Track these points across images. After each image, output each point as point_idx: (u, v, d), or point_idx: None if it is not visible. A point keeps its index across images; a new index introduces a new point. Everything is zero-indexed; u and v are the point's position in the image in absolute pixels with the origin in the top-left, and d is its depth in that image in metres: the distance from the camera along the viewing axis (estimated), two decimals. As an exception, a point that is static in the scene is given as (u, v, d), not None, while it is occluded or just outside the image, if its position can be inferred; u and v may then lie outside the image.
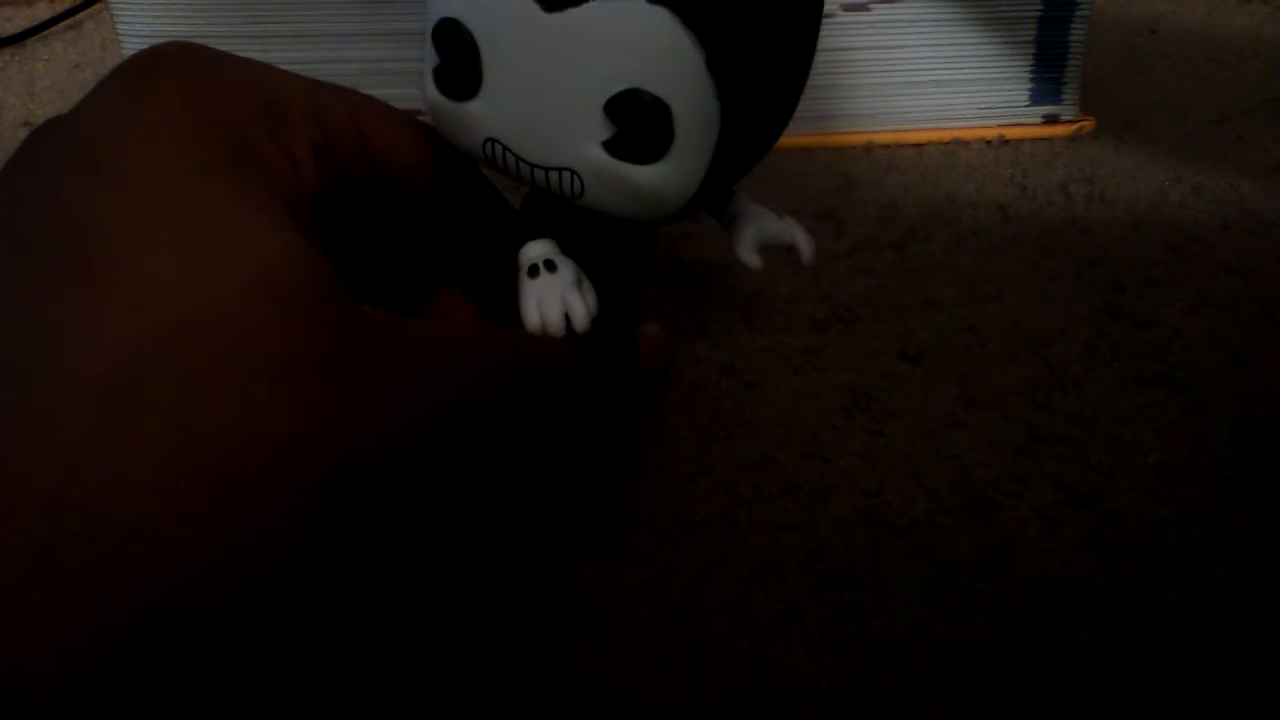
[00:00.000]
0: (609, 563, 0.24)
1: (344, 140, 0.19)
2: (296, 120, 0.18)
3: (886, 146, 0.41)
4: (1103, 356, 0.30)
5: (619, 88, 0.18)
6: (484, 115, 0.20)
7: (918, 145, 0.41)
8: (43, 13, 0.53)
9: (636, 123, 0.18)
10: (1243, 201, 0.38)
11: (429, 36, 0.20)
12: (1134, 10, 0.55)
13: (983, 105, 0.42)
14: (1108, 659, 0.22)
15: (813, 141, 0.41)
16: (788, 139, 0.23)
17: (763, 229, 0.25)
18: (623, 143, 0.19)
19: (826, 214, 0.36)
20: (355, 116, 0.20)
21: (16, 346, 0.14)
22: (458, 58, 0.19)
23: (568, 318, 0.21)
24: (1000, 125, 0.42)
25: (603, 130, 0.19)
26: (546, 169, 0.20)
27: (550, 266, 0.21)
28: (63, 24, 0.53)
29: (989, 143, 0.41)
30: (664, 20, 0.17)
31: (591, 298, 0.21)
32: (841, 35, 0.39)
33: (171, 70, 0.17)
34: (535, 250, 0.21)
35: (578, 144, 0.19)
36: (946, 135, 0.42)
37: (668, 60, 0.18)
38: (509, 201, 0.24)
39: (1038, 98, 0.42)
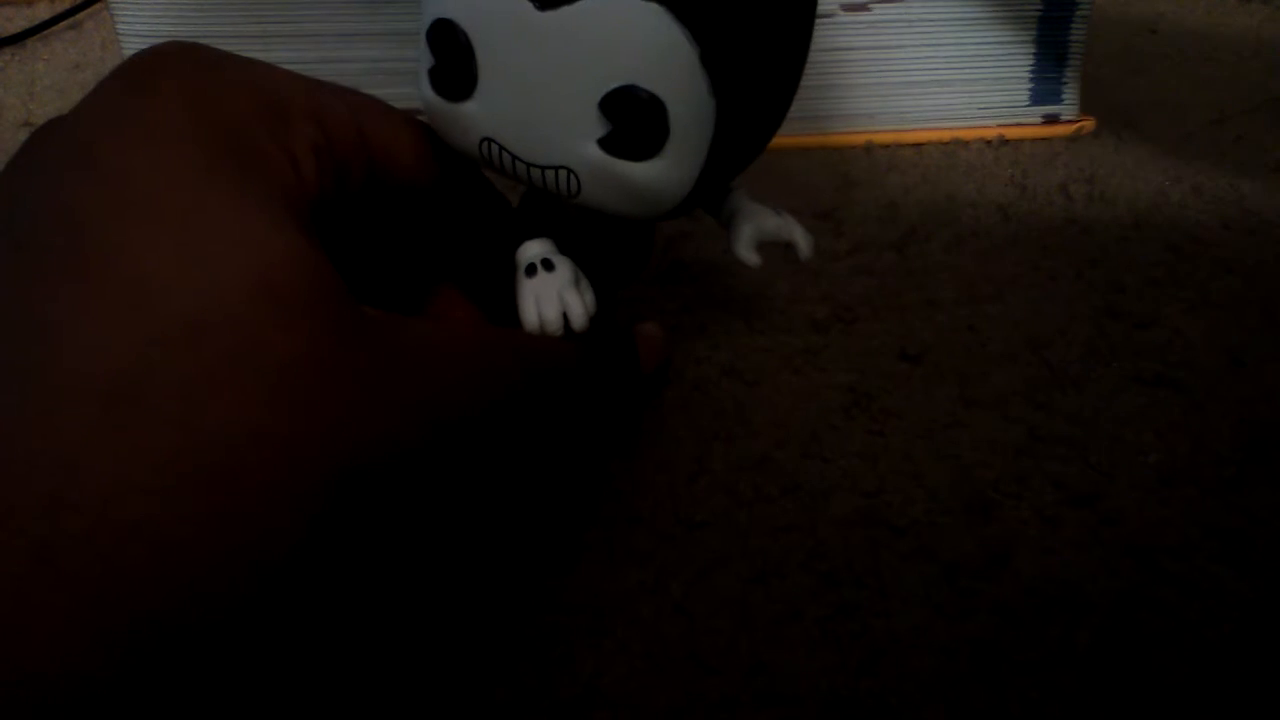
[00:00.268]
0: (609, 563, 0.24)
1: (345, 140, 0.19)
2: (297, 120, 0.18)
3: (886, 146, 0.41)
4: (1103, 356, 0.30)
5: (614, 85, 0.18)
6: (480, 115, 0.20)
7: (917, 145, 0.41)
8: (43, 13, 0.53)
9: (632, 120, 0.18)
10: (1243, 201, 0.38)
11: (423, 37, 0.20)
12: (1134, 10, 0.55)
13: (983, 105, 0.42)
14: (1108, 659, 0.22)
15: (812, 141, 0.41)
16: (787, 139, 0.23)
17: (761, 226, 0.25)
18: (618, 140, 0.19)
19: (826, 214, 0.36)
20: (356, 116, 0.20)
21: (17, 346, 0.14)
22: (452, 58, 0.19)
23: (566, 317, 0.21)
24: (1000, 125, 0.42)
25: (598, 128, 0.19)
26: (543, 168, 0.20)
27: (548, 266, 0.21)
28: (63, 24, 0.53)
29: (989, 143, 0.41)
30: (658, 17, 0.17)
31: (589, 296, 0.21)
32: (841, 35, 0.39)
33: (172, 70, 0.17)
34: (533, 249, 0.21)
35: (573, 142, 0.19)
36: (946, 135, 0.42)
37: (662, 57, 0.18)
38: (509, 201, 0.24)
39: (1038, 98, 0.42)
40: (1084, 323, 0.31)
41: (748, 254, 0.24)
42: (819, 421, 0.28)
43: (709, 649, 0.22)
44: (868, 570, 0.24)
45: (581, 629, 0.22)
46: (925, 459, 0.27)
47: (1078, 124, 0.42)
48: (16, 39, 0.51)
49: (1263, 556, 0.24)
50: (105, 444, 0.14)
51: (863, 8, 0.39)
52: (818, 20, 0.22)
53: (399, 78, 0.38)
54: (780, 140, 0.22)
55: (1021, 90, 0.42)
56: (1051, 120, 0.42)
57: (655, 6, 0.17)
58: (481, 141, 0.20)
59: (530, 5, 0.18)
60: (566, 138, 0.19)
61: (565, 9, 0.18)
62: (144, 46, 0.18)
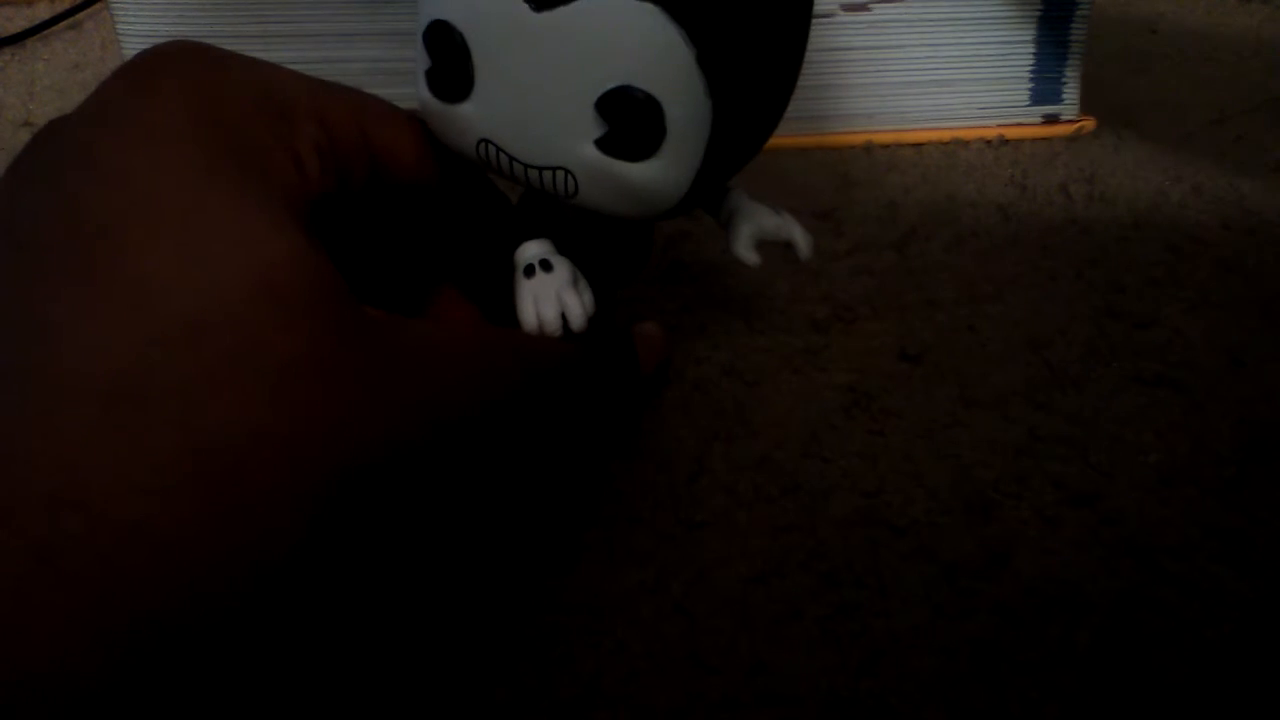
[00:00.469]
0: (609, 563, 0.24)
1: (347, 140, 0.19)
2: (300, 120, 0.18)
3: (886, 146, 0.41)
4: (1103, 356, 0.30)
5: (610, 85, 0.18)
6: (476, 116, 0.20)
7: (917, 145, 0.41)
8: (43, 13, 0.53)
9: (628, 120, 0.18)
10: (1243, 201, 0.38)
11: (420, 39, 0.20)
12: (1134, 10, 0.55)
13: (983, 105, 0.42)
14: (1108, 659, 0.22)
15: (812, 141, 0.41)
16: (787, 139, 0.23)
17: (760, 225, 0.25)
18: (615, 140, 0.19)
19: (826, 214, 0.36)
20: (358, 116, 0.20)
21: (18, 346, 0.14)
22: (449, 59, 0.19)
23: (564, 317, 0.21)
24: (1000, 125, 0.42)
25: (595, 128, 0.19)
26: (540, 168, 0.20)
27: (546, 266, 0.21)
28: (63, 24, 0.53)
29: (989, 143, 0.41)
30: (654, 17, 0.17)
31: (588, 297, 0.21)
32: (841, 35, 0.39)
33: (175, 69, 0.17)
34: (531, 250, 0.21)
35: (570, 143, 0.19)
36: (946, 135, 0.42)
37: (658, 57, 0.18)
38: (511, 201, 0.24)
39: (1038, 98, 0.42)
40: (1084, 323, 0.31)
41: (747, 254, 0.24)
42: (819, 421, 0.28)
43: (709, 649, 0.22)
44: (868, 570, 0.24)
45: (581, 629, 0.22)
46: (925, 459, 0.27)
47: (1078, 124, 0.42)
48: (16, 39, 0.51)
49: (1263, 556, 0.24)
50: (106, 444, 0.14)
51: (862, 8, 0.39)
52: (817, 20, 0.22)
53: (399, 78, 0.37)
54: (779, 140, 0.22)
55: (1021, 90, 0.42)
56: (1051, 120, 0.42)
57: (651, 6, 0.17)
58: (478, 143, 0.20)
59: (526, 6, 0.18)
60: (563, 139, 0.19)
61: (561, 10, 0.18)
62: (144, 46, 0.18)
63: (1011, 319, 0.31)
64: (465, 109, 0.20)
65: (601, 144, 0.19)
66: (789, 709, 0.21)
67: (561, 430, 0.24)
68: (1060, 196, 0.38)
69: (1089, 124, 0.42)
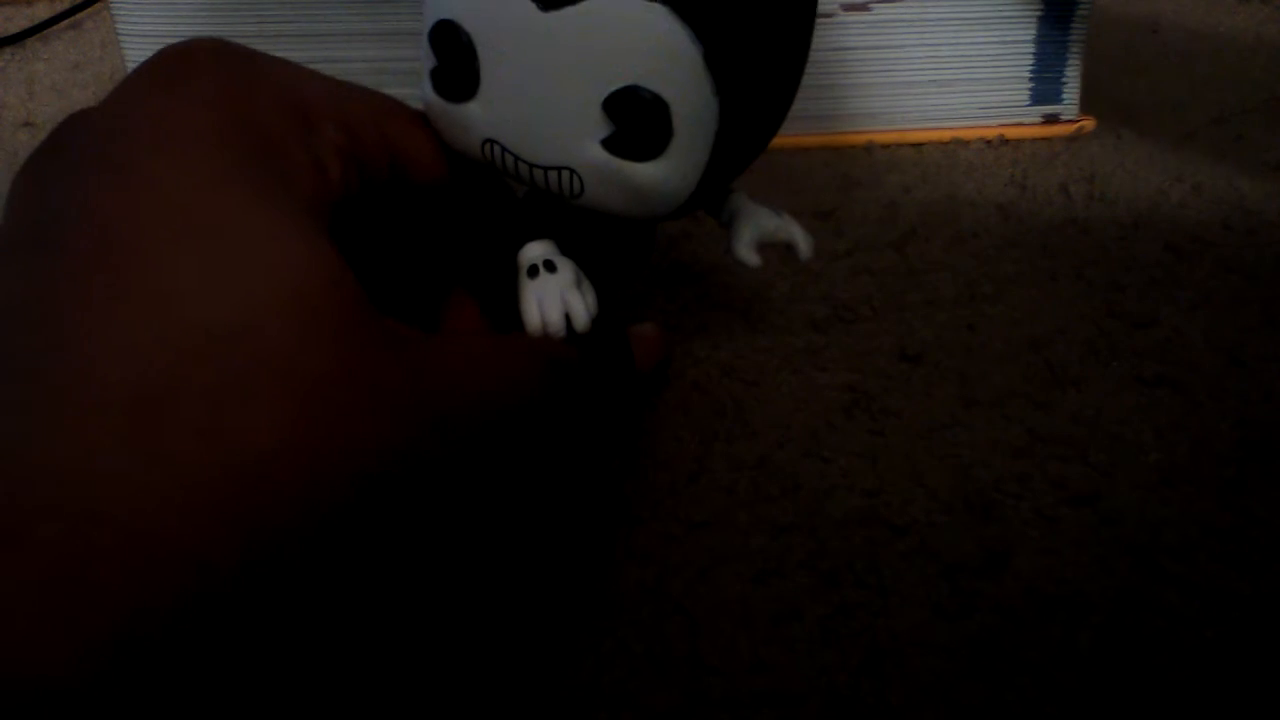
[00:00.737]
0: (609, 563, 0.24)
1: (367, 142, 0.19)
2: (323, 123, 0.18)
3: (887, 146, 0.41)
4: (1103, 356, 0.30)
5: (617, 85, 0.18)
6: (482, 116, 0.20)
7: (918, 145, 0.41)
8: (43, 13, 0.53)
9: (635, 120, 0.18)
10: (1243, 201, 0.38)
11: (425, 38, 0.20)
12: (1134, 10, 0.55)
13: (983, 105, 0.42)
14: (1108, 659, 0.22)
15: (813, 141, 0.41)
16: (788, 138, 0.23)
17: (760, 226, 0.25)
18: (622, 140, 0.19)
19: (826, 214, 0.36)
20: (378, 117, 0.20)
21: (40, 353, 0.14)
22: (455, 59, 0.19)
23: (568, 318, 0.21)
24: (1000, 125, 0.42)
25: (602, 128, 0.19)
26: (545, 168, 0.20)
27: (550, 267, 0.21)
28: (63, 24, 0.53)
29: (989, 142, 0.42)
30: (661, 17, 0.17)
31: (591, 297, 0.21)
32: (842, 35, 0.39)
33: (201, 68, 0.17)
34: (534, 251, 0.21)
35: (577, 143, 0.19)
36: (946, 135, 0.42)
37: (665, 57, 0.18)
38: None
39: (1038, 97, 0.42)
40: (1084, 323, 0.31)
41: (748, 254, 0.24)
42: (819, 421, 0.28)
43: (709, 649, 0.22)
44: (868, 570, 0.24)
45: (581, 629, 0.22)
46: (925, 459, 0.27)
47: (1078, 124, 0.42)
48: (16, 39, 0.51)
49: (1263, 556, 0.24)
50: (130, 454, 0.13)
51: (863, 8, 0.39)
52: (818, 20, 0.22)
53: (400, 78, 0.38)
54: (781, 140, 0.22)
55: (1021, 90, 0.42)
56: (1051, 120, 0.42)
57: (659, 7, 0.17)
58: (484, 143, 0.20)
59: (533, 6, 0.18)
60: (569, 138, 0.19)
61: (568, 9, 0.18)
62: (144, 46, 0.18)
63: (1011, 319, 0.31)
64: (471, 108, 0.20)
65: (608, 144, 0.19)
66: (789, 709, 0.21)
67: (561, 431, 0.24)
68: (1060, 196, 0.38)
69: (1089, 124, 0.42)
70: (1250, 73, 0.48)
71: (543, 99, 0.19)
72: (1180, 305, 0.32)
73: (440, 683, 0.21)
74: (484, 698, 0.21)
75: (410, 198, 0.21)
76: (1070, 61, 0.41)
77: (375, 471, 0.15)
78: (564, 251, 0.22)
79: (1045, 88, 0.42)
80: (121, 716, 0.13)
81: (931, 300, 0.32)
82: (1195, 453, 0.27)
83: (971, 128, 0.42)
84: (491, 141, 0.20)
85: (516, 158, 0.20)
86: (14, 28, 0.52)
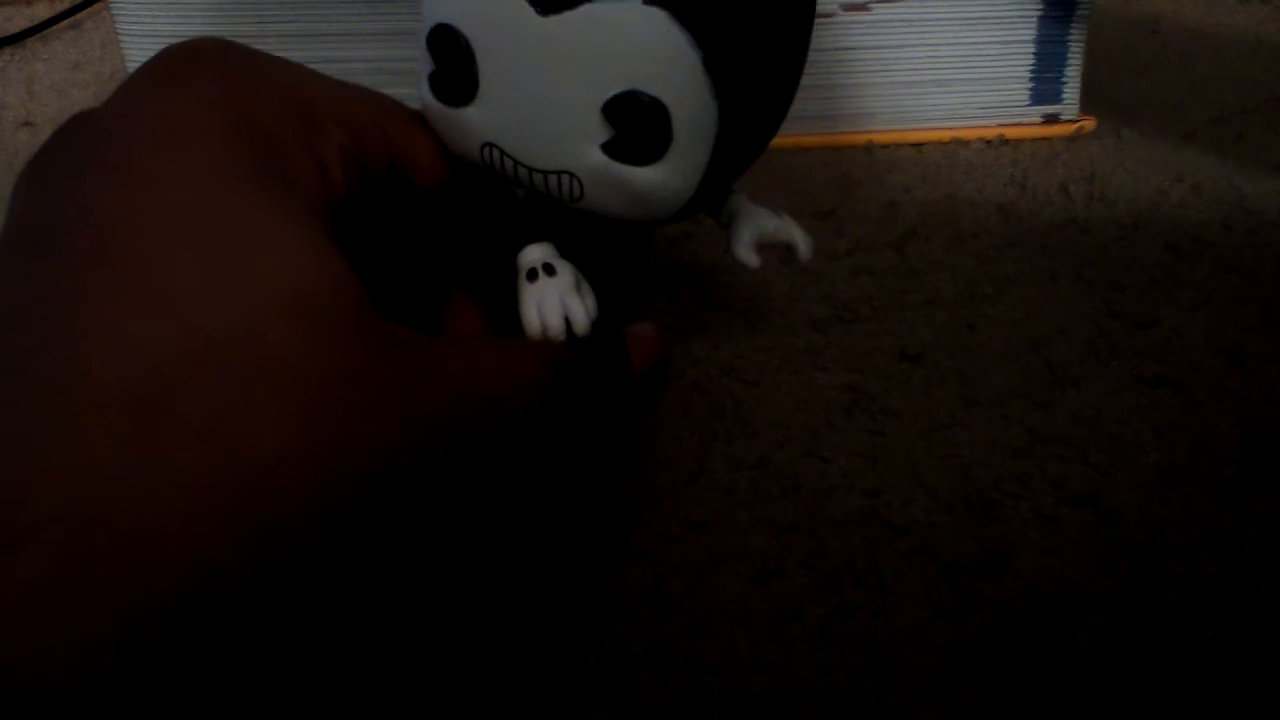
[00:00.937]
0: (609, 563, 0.24)
1: (369, 143, 0.19)
2: (326, 124, 0.18)
3: (887, 146, 0.41)
4: (1103, 356, 0.30)
5: (617, 90, 0.18)
6: (481, 120, 0.20)
7: (918, 145, 0.41)
8: (43, 13, 0.53)
9: (635, 124, 0.18)
10: (1243, 201, 0.38)
11: (423, 42, 0.20)
12: (1134, 10, 0.55)
13: (983, 105, 0.42)
14: (1108, 659, 0.22)
15: (813, 141, 0.41)
16: (788, 138, 0.23)
17: (760, 227, 0.25)
18: (621, 144, 0.19)
19: (826, 214, 0.36)
20: (380, 118, 0.19)
21: (40, 354, 0.14)
22: (453, 63, 0.19)
23: (568, 321, 0.21)
24: (1000, 125, 0.42)
25: (601, 132, 0.19)
26: (545, 172, 0.20)
27: (549, 270, 0.21)
28: (63, 24, 0.53)
29: (989, 142, 0.42)
30: (660, 21, 0.17)
31: (591, 300, 0.21)
32: (842, 35, 0.39)
33: (204, 68, 0.17)
34: (533, 254, 0.21)
35: (576, 147, 0.19)
36: (946, 135, 0.42)
37: (665, 61, 0.18)
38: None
39: (1038, 97, 0.42)
40: (1084, 323, 0.31)
41: (747, 255, 0.24)
42: (819, 421, 0.28)
43: (709, 649, 0.22)
44: (868, 570, 0.24)
45: (581, 629, 0.22)
46: (925, 459, 0.27)
47: (1078, 124, 0.42)
48: (16, 39, 0.51)
49: (1263, 556, 0.24)
50: (131, 457, 0.13)
51: (863, 8, 0.39)
52: (818, 20, 0.22)
53: (401, 77, 0.38)
54: (781, 140, 0.22)
55: (1021, 90, 0.42)
56: (1051, 120, 0.42)
57: (657, 11, 0.17)
58: (483, 147, 0.20)
59: (531, 10, 0.18)
60: (569, 143, 0.19)
61: (567, 14, 0.17)
62: (144, 46, 0.18)
63: (1011, 319, 0.31)
64: (469, 113, 0.20)
65: (608, 148, 0.19)
66: (789, 709, 0.21)
67: (561, 433, 0.24)
68: (1060, 196, 0.38)
69: (1089, 124, 0.42)
70: (1250, 73, 0.48)
71: (541, 103, 0.19)
72: (1180, 305, 0.32)
73: (441, 682, 0.21)
74: (484, 697, 0.21)
75: (410, 199, 0.21)
76: (1070, 61, 0.41)
77: (379, 474, 0.15)
78: (563, 254, 0.22)
79: (1045, 88, 0.42)
80: (121, 717, 0.13)
81: (931, 300, 0.32)
82: (1195, 453, 0.27)
83: (971, 128, 0.42)
84: (490, 145, 0.20)
85: (515, 161, 0.20)
86: (14, 28, 0.52)
